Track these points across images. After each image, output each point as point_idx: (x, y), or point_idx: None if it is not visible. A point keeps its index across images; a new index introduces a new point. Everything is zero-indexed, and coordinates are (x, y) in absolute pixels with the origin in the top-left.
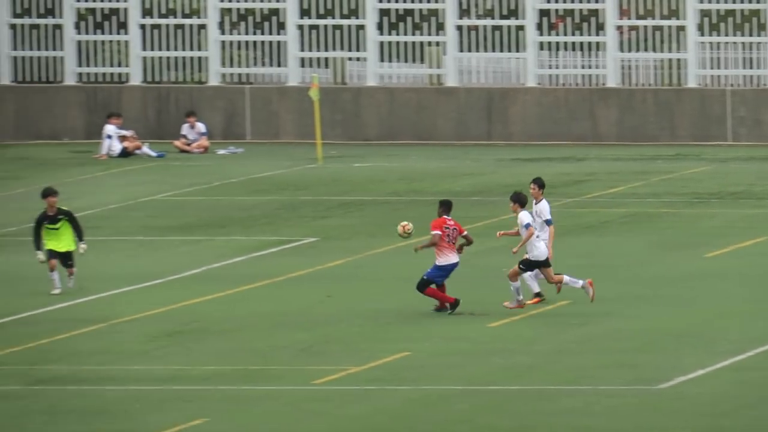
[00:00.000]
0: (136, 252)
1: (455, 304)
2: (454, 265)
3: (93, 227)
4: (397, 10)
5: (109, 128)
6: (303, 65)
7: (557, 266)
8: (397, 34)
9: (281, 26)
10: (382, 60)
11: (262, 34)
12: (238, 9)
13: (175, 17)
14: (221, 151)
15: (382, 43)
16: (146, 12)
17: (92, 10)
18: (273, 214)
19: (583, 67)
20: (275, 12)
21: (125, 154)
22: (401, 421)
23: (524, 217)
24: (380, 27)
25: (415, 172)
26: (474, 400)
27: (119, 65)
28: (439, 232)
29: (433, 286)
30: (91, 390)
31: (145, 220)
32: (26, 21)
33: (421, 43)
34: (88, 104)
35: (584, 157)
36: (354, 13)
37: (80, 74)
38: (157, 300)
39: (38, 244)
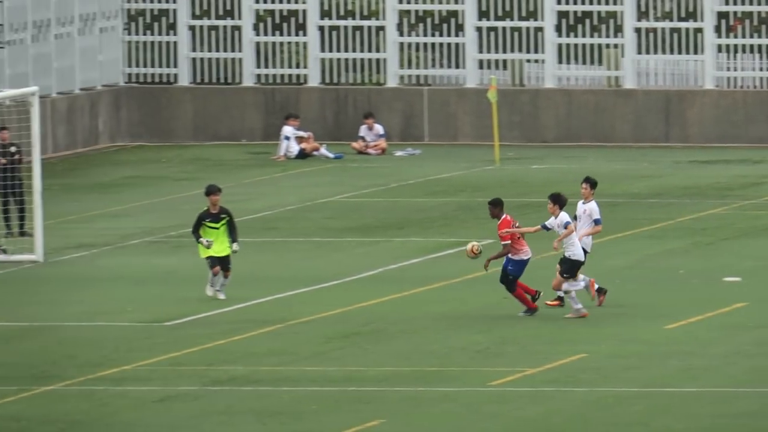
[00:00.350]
0: (313, 253)
1: (535, 310)
2: (528, 260)
3: (271, 228)
4: (575, 12)
5: (287, 129)
6: (481, 67)
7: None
8: (576, 36)
9: (459, 28)
10: (560, 62)
11: (441, 35)
12: (417, 11)
13: (354, 19)
14: (399, 153)
15: (560, 45)
16: (325, 14)
17: (271, 12)
18: (450, 215)
19: (761, 69)
20: (454, 14)
21: (303, 155)
22: (576, 423)
23: (564, 217)
24: (558, 29)
25: (592, 173)
26: (649, 402)
27: (297, 67)
28: (509, 242)
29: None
30: (267, 391)
31: (323, 221)
32: (205, 22)
33: (600, 45)
34: (266, 105)
35: (761, 159)
36: (532, 15)
37: (258, 75)
38: (333, 301)
39: (197, 234)
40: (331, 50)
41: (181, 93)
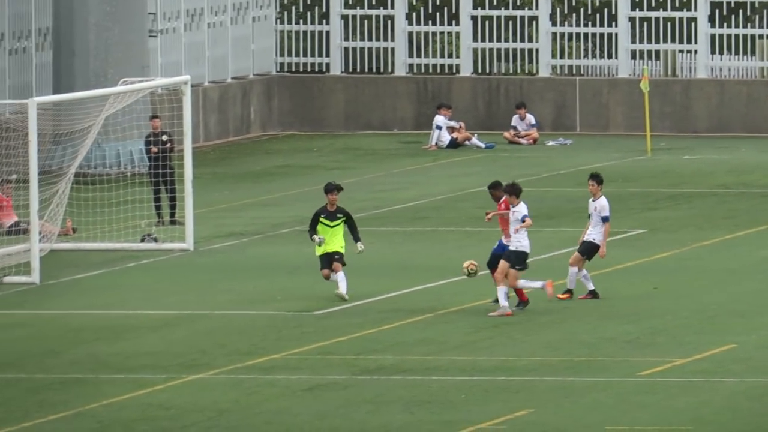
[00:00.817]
0: (463, 243)
1: (526, 303)
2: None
3: (421, 217)
4: (728, 2)
5: (439, 119)
6: (633, 57)
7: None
8: (729, 27)
9: (612, 18)
10: (712, 52)
11: (593, 26)
12: (569, 1)
13: (507, 9)
14: (550, 143)
15: (713, 36)
16: (477, 3)
17: (424, 1)
18: None
19: None
20: (607, 4)
21: (454, 144)
22: (726, 414)
23: (523, 208)
24: (711, 19)
25: (744, 164)
26: None
27: (450, 56)
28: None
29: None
30: (416, 380)
31: (473, 211)
32: (357, 12)
33: (753, 36)
34: (417, 95)
35: None
36: (686, 5)
37: (410, 65)
38: (483, 291)
39: (312, 232)
40: (483, 40)
41: (333, 82)
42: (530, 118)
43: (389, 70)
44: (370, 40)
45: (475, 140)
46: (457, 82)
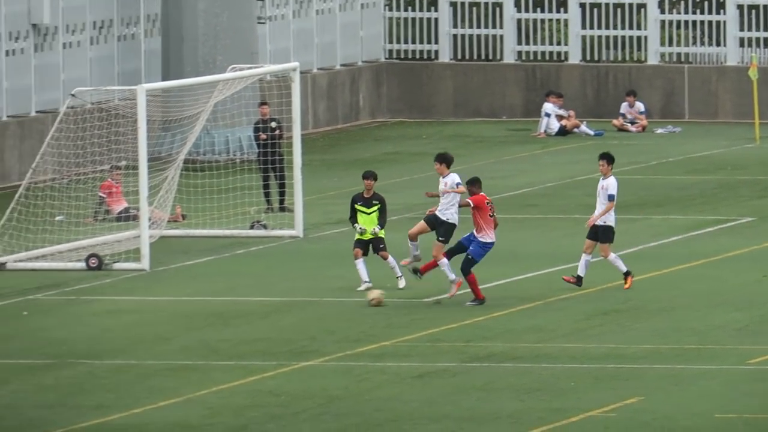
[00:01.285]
0: (573, 230)
1: (482, 301)
2: (492, 245)
3: (530, 205)
4: None
5: (548, 106)
6: (742, 45)
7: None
8: None
9: (721, 6)
10: None
11: (702, 13)
12: None
13: None
14: (659, 130)
15: None
16: None
17: None
18: (710, 193)
19: None
20: None
21: (563, 132)
22: None
23: (455, 177)
24: None
25: None
26: None
27: (558, 44)
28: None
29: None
30: (526, 368)
31: (582, 198)
32: None
33: None
34: (526, 82)
35: None
36: None
37: (519, 52)
38: (593, 278)
39: (354, 220)
40: (592, 27)
41: (442, 69)
42: (639, 106)
43: (498, 57)
44: (478, 27)
45: (584, 127)
46: (565, 70)
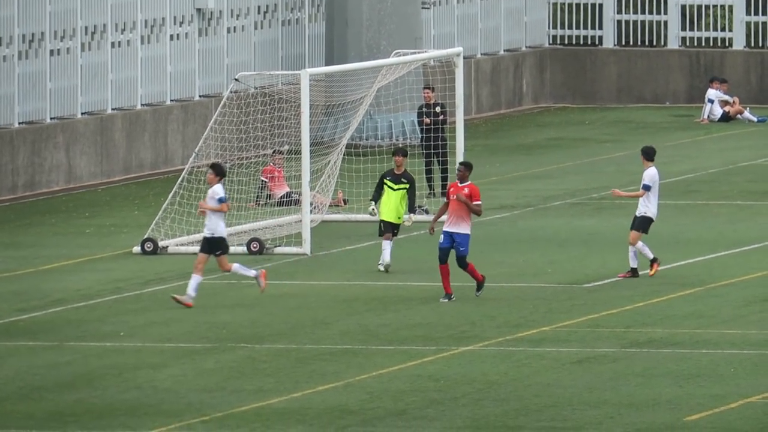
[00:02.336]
0: (735, 216)
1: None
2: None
3: (693, 191)
4: None
5: (711, 92)
6: None
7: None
8: None
9: None
10: None
11: None
12: None
13: None
14: None
15: None
16: None
17: None
18: None
19: None
20: None
21: (726, 118)
22: None
23: (219, 190)
24: None
25: None
26: None
27: (722, 30)
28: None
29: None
30: (685, 353)
31: (745, 184)
32: None
33: None
34: (690, 68)
35: None
36: None
37: (683, 38)
38: (755, 264)
39: (376, 195)
40: (756, 14)
41: (606, 55)
42: None
43: (662, 43)
44: (643, 13)
45: (747, 114)
46: (729, 56)
